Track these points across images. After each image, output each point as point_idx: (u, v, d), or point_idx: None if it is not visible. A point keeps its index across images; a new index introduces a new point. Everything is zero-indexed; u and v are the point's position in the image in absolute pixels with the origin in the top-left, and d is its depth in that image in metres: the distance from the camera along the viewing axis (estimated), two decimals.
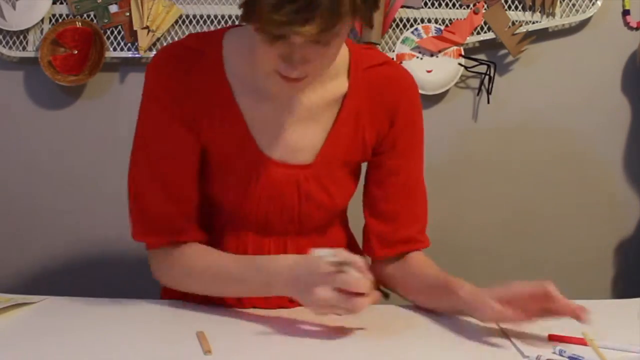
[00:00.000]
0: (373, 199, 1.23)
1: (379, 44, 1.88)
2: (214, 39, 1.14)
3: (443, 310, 1.14)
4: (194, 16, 1.89)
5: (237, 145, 1.14)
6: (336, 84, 1.16)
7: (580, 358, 0.93)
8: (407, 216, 1.23)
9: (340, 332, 1.07)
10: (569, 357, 0.94)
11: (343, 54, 1.16)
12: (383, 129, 1.19)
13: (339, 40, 1.00)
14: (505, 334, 1.05)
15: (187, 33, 1.88)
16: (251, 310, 1.15)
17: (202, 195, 1.19)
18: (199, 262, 1.14)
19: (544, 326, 1.05)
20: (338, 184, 1.20)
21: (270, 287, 1.06)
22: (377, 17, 1.83)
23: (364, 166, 1.26)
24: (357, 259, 1.00)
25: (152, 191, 1.13)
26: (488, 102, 1.92)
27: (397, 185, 1.22)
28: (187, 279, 1.15)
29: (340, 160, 1.18)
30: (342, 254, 1.00)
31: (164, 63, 1.13)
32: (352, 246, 1.31)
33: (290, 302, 1.14)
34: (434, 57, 1.88)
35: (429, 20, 1.89)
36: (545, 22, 1.89)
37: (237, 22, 1.90)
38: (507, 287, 1.06)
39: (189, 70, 1.11)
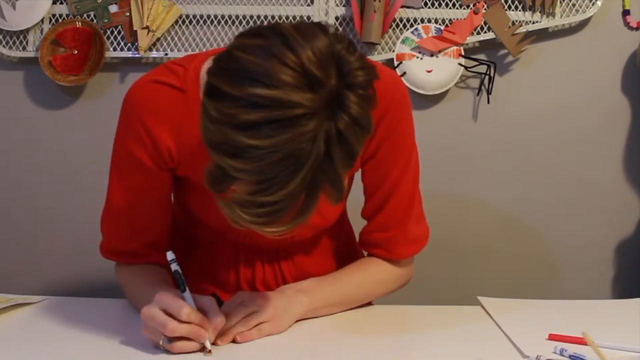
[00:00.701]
0: (364, 204, 1.19)
1: (379, 44, 1.88)
2: (191, 73, 1.05)
3: None
4: (194, 16, 1.89)
5: None
6: None
7: (580, 357, 0.93)
8: (387, 225, 1.18)
9: (339, 332, 1.07)
10: (569, 357, 0.94)
11: None
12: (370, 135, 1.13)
13: None
14: (505, 333, 1.05)
15: (187, 33, 1.89)
16: None
17: (184, 214, 1.19)
18: (129, 279, 1.17)
19: (543, 326, 1.05)
20: (327, 201, 1.15)
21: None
22: (377, 17, 1.83)
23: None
24: (211, 307, 0.97)
25: (119, 228, 1.15)
26: (488, 102, 1.92)
27: (382, 196, 1.16)
28: (124, 290, 1.18)
29: None
30: (202, 302, 0.98)
31: (144, 110, 1.06)
32: (349, 243, 1.29)
33: None
34: (434, 57, 1.88)
35: (429, 20, 1.89)
36: (545, 22, 1.89)
37: (236, 22, 1.91)
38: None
39: (173, 115, 1.05)
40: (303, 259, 1.22)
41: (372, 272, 1.19)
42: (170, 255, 0.98)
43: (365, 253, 1.24)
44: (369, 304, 1.27)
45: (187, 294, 0.96)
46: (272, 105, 0.78)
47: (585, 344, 0.97)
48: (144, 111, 1.05)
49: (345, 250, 1.28)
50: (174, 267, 0.98)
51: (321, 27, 0.83)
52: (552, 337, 1.00)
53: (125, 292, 1.18)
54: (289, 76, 0.78)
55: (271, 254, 1.20)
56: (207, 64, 1.05)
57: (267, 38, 0.81)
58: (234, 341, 0.99)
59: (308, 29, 0.82)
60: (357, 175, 1.25)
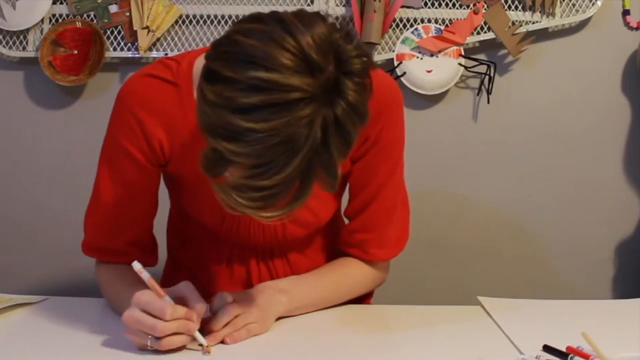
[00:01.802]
0: (348, 203, 1.20)
1: (379, 44, 1.88)
2: (184, 67, 1.07)
3: None
4: (194, 16, 1.89)
5: None
6: None
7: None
8: (367, 227, 1.18)
9: (338, 331, 1.07)
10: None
11: None
12: (361, 139, 1.10)
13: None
14: (505, 333, 1.05)
15: (187, 33, 1.89)
16: None
17: (178, 215, 1.19)
18: (109, 279, 1.16)
19: (543, 326, 1.05)
20: (321, 199, 1.14)
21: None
22: (377, 17, 1.83)
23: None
24: (192, 297, 0.96)
25: (104, 224, 1.15)
26: (488, 102, 1.92)
27: (366, 198, 1.16)
28: (102, 289, 1.18)
29: None
30: (179, 290, 0.97)
31: (136, 104, 1.06)
32: None
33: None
34: (434, 57, 1.88)
35: (429, 20, 1.89)
36: (545, 22, 1.89)
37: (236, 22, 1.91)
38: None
39: (165, 109, 1.05)
40: (297, 257, 1.22)
41: (350, 273, 1.19)
42: (137, 266, 0.96)
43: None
44: (368, 299, 1.27)
45: (167, 297, 0.95)
46: (272, 88, 0.78)
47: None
48: (137, 104, 1.06)
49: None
50: (146, 275, 0.96)
51: (320, 16, 0.84)
52: (570, 350, 0.97)
53: (104, 292, 1.17)
54: (289, 60, 0.78)
55: (265, 253, 1.20)
56: (201, 58, 1.05)
57: (267, 23, 0.82)
58: (222, 342, 0.99)
59: (308, 16, 0.83)
60: None
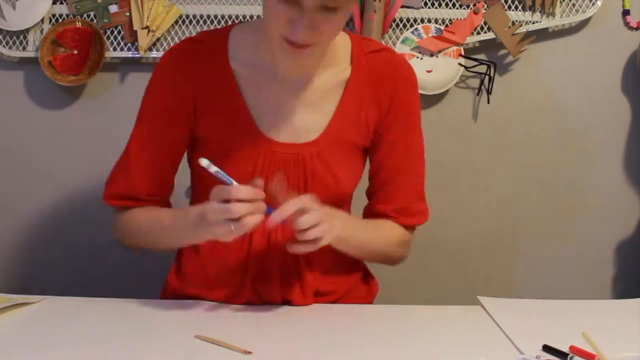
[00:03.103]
0: (370, 181, 1.28)
1: None
2: (221, 32, 1.21)
3: None
4: (194, 16, 1.89)
5: (240, 130, 1.18)
6: (339, 69, 1.22)
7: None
8: (397, 193, 1.26)
9: (339, 331, 1.07)
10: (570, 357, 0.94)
11: (345, 42, 1.23)
12: (383, 110, 1.23)
13: (345, 9, 1.06)
14: (505, 333, 1.05)
15: (187, 33, 1.89)
16: (246, 307, 1.16)
17: (199, 179, 1.25)
18: (142, 216, 1.22)
19: (543, 326, 1.05)
20: (343, 166, 1.22)
21: (196, 226, 1.09)
22: (377, 17, 1.83)
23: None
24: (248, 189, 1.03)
25: (135, 167, 1.22)
26: (488, 102, 1.92)
27: (395, 160, 1.25)
28: (133, 232, 1.23)
29: (344, 141, 1.21)
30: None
31: (169, 64, 1.21)
32: None
33: (282, 299, 1.17)
34: (434, 57, 1.88)
35: (429, 20, 1.89)
36: (545, 22, 1.89)
37: (236, 22, 1.90)
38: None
39: (193, 64, 1.18)
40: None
41: (394, 234, 1.26)
42: (204, 162, 1.04)
43: None
44: (370, 297, 1.28)
45: (236, 184, 1.04)
46: None
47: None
48: (176, 64, 1.19)
49: None
50: (214, 168, 1.05)
51: None
52: (574, 350, 0.97)
53: (145, 232, 1.22)
54: None
55: (284, 226, 1.20)
56: (237, 27, 1.23)
57: None
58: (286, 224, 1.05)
59: None
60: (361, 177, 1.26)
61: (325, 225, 1.06)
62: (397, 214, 1.25)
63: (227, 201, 1.02)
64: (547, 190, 1.97)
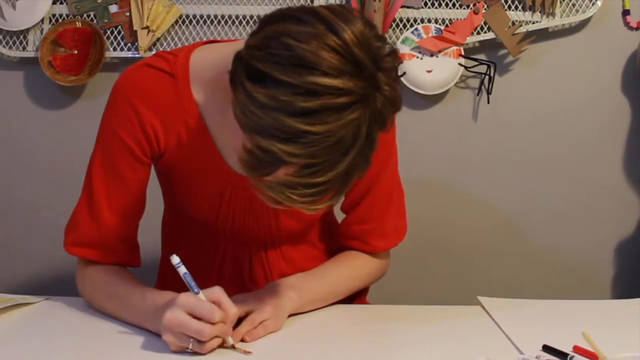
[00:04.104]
0: (346, 196, 1.21)
1: None
2: (181, 59, 1.08)
3: None
4: (194, 16, 1.89)
5: (206, 163, 1.10)
6: None
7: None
8: (364, 218, 1.20)
9: (338, 331, 1.07)
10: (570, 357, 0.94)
11: None
12: None
13: None
14: (505, 333, 1.05)
15: (187, 33, 1.89)
16: None
17: (172, 210, 1.19)
18: (104, 278, 1.12)
19: (543, 326, 1.05)
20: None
21: (147, 316, 1.02)
22: (377, 17, 1.83)
23: None
24: (226, 303, 0.96)
25: (95, 216, 1.12)
26: (488, 102, 1.92)
27: (362, 190, 1.18)
28: (91, 292, 1.13)
29: None
30: (214, 294, 0.97)
31: (130, 88, 1.08)
32: (335, 236, 1.28)
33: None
34: (434, 57, 1.88)
35: (429, 20, 1.89)
36: (545, 22, 1.89)
37: (236, 22, 1.91)
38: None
39: (153, 95, 1.07)
40: (291, 252, 1.22)
41: (356, 267, 1.21)
42: (175, 259, 0.98)
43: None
44: (363, 300, 1.27)
45: (202, 294, 0.96)
46: (328, 92, 0.81)
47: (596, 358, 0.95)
48: (134, 93, 1.07)
49: (333, 243, 1.28)
50: (183, 270, 0.98)
51: (350, 10, 0.88)
52: (577, 350, 0.97)
53: (98, 292, 1.12)
54: (340, 63, 0.82)
55: (259, 247, 1.20)
56: (198, 51, 1.08)
57: (311, 24, 0.84)
58: (242, 340, 1.00)
59: (343, 13, 0.86)
60: None
61: (269, 321, 1.03)
62: (365, 237, 1.21)
63: (194, 316, 0.93)
64: (547, 190, 1.97)
